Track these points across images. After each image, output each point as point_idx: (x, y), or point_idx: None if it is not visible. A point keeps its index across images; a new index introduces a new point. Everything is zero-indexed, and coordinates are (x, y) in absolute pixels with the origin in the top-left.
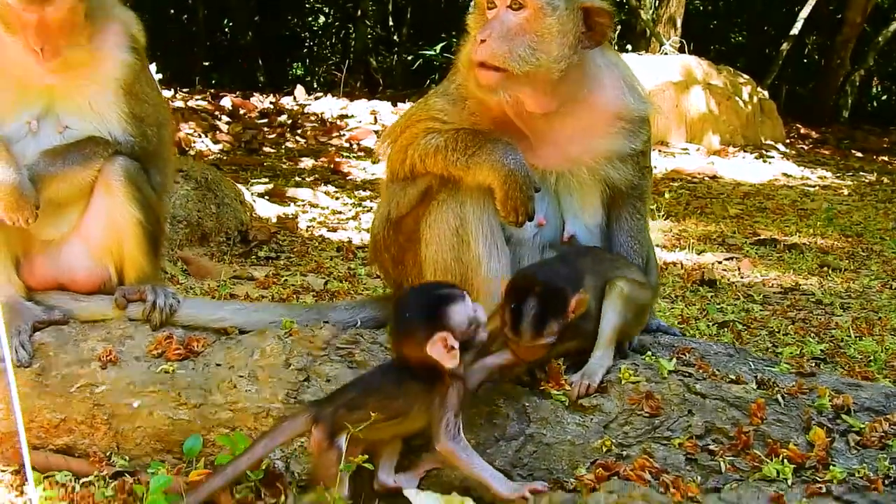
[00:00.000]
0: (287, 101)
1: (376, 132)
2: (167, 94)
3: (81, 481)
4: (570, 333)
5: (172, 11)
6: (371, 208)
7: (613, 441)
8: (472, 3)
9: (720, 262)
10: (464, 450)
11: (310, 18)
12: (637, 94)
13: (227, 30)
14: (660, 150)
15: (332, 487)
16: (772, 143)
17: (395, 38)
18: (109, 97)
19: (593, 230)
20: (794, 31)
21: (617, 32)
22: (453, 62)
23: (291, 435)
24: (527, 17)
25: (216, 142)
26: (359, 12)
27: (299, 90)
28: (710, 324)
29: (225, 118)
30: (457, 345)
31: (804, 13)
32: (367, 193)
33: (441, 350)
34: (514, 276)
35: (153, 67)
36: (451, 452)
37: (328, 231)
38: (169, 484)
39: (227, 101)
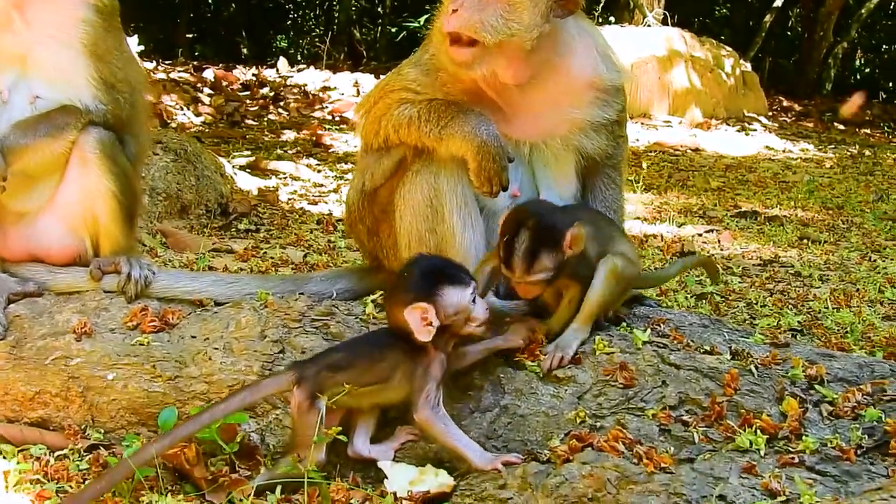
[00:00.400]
0: (270, 74)
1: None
2: (149, 65)
3: (56, 454)
4: (567, 275)
5: None
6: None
7: (587, 412)
8: None
9: (700, 235)
10: (441, 420)
11: None
12: (611, 63)
13: (210, 1)
14: (642, 123)
15: (307, 451)
16: (754, 115)
17: (378, 9)
18: (77, 61)
19: (568, 200)
20: (777, 3)
21: (601, 4)
22: (427, 33)
23: (272, 391)
24: None
25: (198, 114)
26: None
27: (282, 62)
28: (689, 296)
29: (207, 90)
30: (436, 322)
31: None
32: (349, 166)
33: (417, 320)
34: (511, 210)
35: (135, 39)
36: (429, 422)
37: (309, 204)
38: None
39: (209, 74)
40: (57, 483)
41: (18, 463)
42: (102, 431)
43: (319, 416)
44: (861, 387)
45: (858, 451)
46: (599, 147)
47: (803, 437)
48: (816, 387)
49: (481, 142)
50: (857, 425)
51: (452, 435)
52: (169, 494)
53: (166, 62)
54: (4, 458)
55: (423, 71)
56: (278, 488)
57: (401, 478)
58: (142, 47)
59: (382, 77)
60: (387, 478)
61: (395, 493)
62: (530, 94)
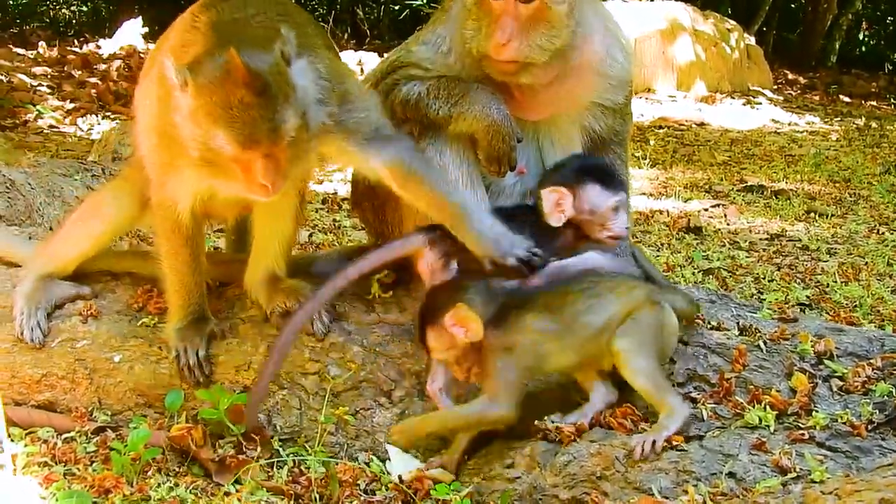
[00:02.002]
0: None
1: None
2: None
3: (63, 437)
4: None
5: None
6: None
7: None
8: None
9: (706, 210)
10: None
11: None
12: (621, 48)
13: None
14: (646, 98)
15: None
16: (759, 89)
17: None
18: None
19: None
20: None
21: None
22: (440, 5)
23: (405, 252)
24: (538, 7)
25: None
26: None
27: None
28: (696, 271)
29: None
30: (569, 211)
31: None
32: None
33: (552, 203)
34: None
35: (139, 21)
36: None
37: (313, 183)
38: (149, 437)
39: None
40: (65, 465)
41: (26, 445)
42: (109, 413)
43: (453, 275)
44: (871, 361)
45: (869, 427)
46: (607, 126)
47: (813, 413)
48: (826, 362)
49: (492, 121)
50: (868, 400)
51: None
52: (176, 476)
53: None
54: (12, 440)
55: (433, 49)
56: (285, 469)
57: (402, 464)
58: (146, 29)
59: (387, 55)
60: (389, 461)
61: (399, 476)
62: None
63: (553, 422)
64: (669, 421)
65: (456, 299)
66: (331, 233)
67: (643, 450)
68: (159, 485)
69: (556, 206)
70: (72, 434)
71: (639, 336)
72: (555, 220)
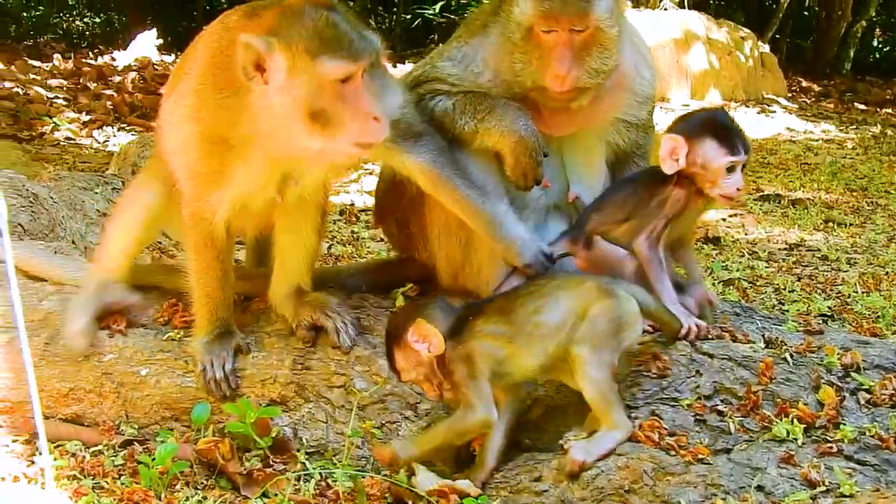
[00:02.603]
0: None
1: None
2: (168, 59)
3: (91, 450)
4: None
5: None
6: (373, 171)
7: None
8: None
9: (724, 219)
10: (654, 256)
11: None
12: (647, 66)
13: None
14: (661, 107)
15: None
16: (773, 97)
17: None
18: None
19: (597, 190)
20: None
21: None
22: (463, 23)
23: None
24: (591, 34)
25: None
26: None
27: None
28: (716, 281)
29: None
30: (682, 162)
31: None
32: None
33: (667, 149)
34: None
35: (154, 32)
36: (643, 252)
37: (330, 194)
38: (176, 451)
39: None
40: (93, 479)
41: (55, 459)
42: (136, 427)
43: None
44: None
45: None
46: (630, 141)
47: (841, 426)
48: (852, 374)
49: (519, 137)
50: None
51: (656, 273)
52: (204, 489)
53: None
54: (40, 454)
55: (461, 66)
56: (312, 482)
57: (429, 480)
58: (160, 41)
59: (403, 67)
60: (416, 475)
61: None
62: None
63: (568, 439)
64: (606, 438)
65: (415, 316)
66: (350, 244)
67: (573, 467)
68: (187, 498)
69: (671, 153)
70: (99, 447)
71: (595, 342)
72: (667, 166)
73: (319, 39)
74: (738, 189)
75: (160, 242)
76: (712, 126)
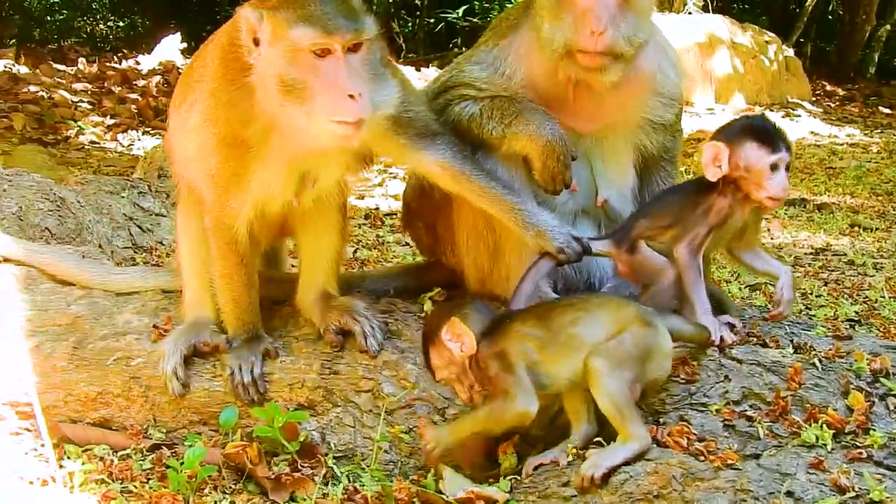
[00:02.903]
0: None
1: None
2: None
3: (119, 454)
4: None
5: None
6: (396, 175)
7: (650, 408)
8: None
9: None
10: (693, 265)
11: None
12: (673, 67)
13: None
14: (685, 111)
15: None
16: (798, 101)
17: (416, 2)
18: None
19: (625, 194)
20: None
21: None
22: (489, 26)
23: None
24: None
25: None
26: None
27: None
28: (742, 286)
29: None
30: (725, 167)
31: None
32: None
33: (709, 156)
34: None
35: (178, 37)
36: (682, 261)
37: (355, 199)
38: (204, 455)
39: None
40: (121, 483)
41: (83, 463)
42: (164, 431)
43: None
44: None
45: None
46: (658, 143)
47: (871, 432)
48: (882, 380)
49: (546, 141)
50: None
51: (692, 280)
52: (232, 493)
53: None
54: (69, 458)
55: (485, 68)
56: (340, 486)
57: (456, 485)
58: (184, 45)
59: (427, 71)
60: (443, 479)
61: (453, 497)
62: (598, 94)
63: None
64: (622, 449)
65: (449, 315)
66: (375, 248)
67: (583, 482)
68: (215, 502)
69: (713, 159)
70: (128, 451)
71: (617, 357)
72: (710, 173)
73: (300, 9)
74: (783, 189)
75: (161, 243)
76: (751, 128)
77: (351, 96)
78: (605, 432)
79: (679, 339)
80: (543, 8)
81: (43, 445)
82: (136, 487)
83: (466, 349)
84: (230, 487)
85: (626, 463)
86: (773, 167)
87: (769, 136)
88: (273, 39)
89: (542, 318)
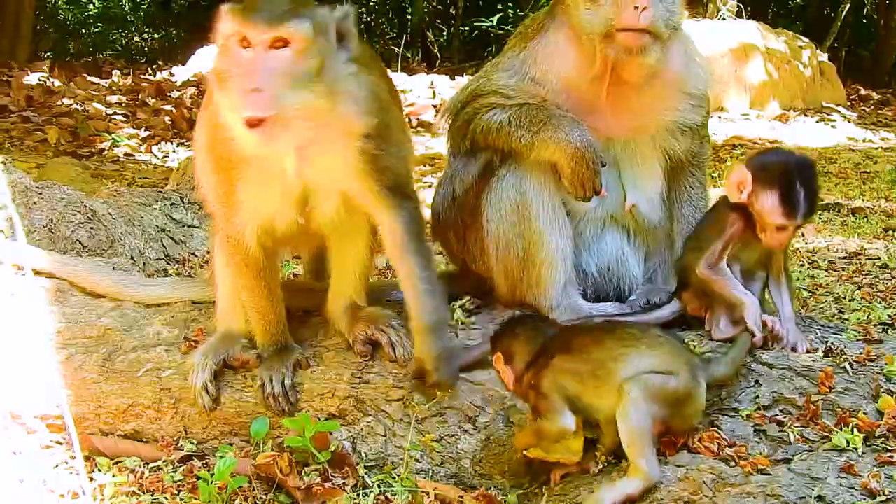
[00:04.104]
0: None
1: (435, 106)
2: None
3: (150, 466)
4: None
5: None
6: (431, 184)
7: None
8: None
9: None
10: (717, 273)
11: None
12: (699, 68)
13: None
14: (719, 117)
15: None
16: (833, 106)
17: (451, 11)
18: None
19: (654, 200)
20: None
21: None
22: (515, 33)
23: None
24: None
25: None
26: None
27: None
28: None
29: None
30: (744, 195)
31: None
32: (427, 168)
33: (734, 180)
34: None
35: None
36: (705, 277)
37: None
38: (235, 466)
39: None
40: (152, 495)
41: (114, 476)
42: (195, 442)
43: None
44: None
45: None
46: (686, 147)
47: None
48: None
49: (575, 148)
50: None
51: (722, 285)
52: None
53: None
54: (100, 470)
55: (513, 75)
56: (371, 496)
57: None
58: None
59: (461, 80)
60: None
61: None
62: (628, 93)
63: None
64: (627, 484)
65: (499, 347)
66: None
67: None
68: None
69: (737, 185)
70: (158, 463)
71: (652, 391)
72: (731, 194)
73: (240, 3)
74: (780, 244)
75: (194, 255)
76: (783, 180)
77: (256, 90)
78: None
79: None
80: None
81: (74, 458)
82: (167, 499)
83: (507, 382)
84: (261, 498)
85: (630, 500)
86: (781, 228)
87: (792, 199)
88: (217, 34)
89: (585, 351)
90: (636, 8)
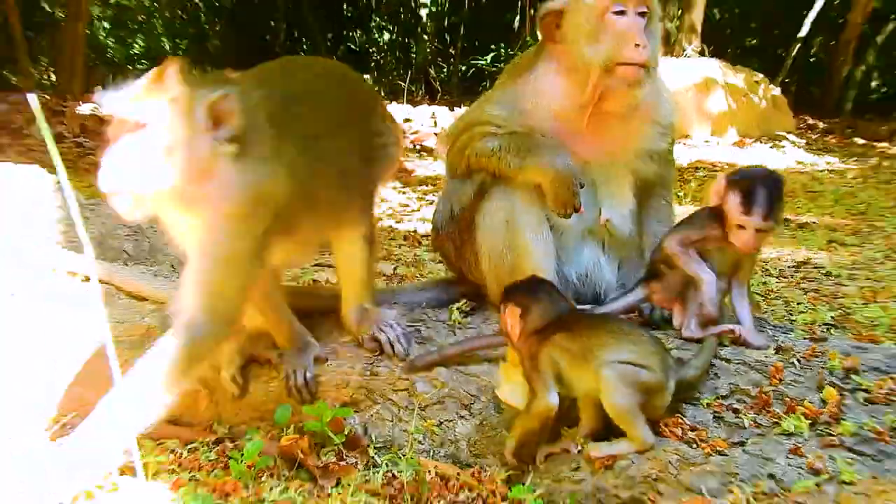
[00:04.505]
0: None
1: (436, 134)
2: None
3: (188, 447)
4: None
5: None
6: (432, 202)
7: None
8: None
9: None
10: (680, 253)
11: (376, 35)
12: (667, 100)
13: (304, 48)
14: (684, 143)
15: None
16: (784, 134)
17: (451, 50)
18: None
19: (626, 215)
20: (802, 33)
21: None
22: (505, 70)
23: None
24: (649, 18)
25: None
26: (419, 29)
27: None
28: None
29: None
30: (720, 194)
31: (811, 17)
32: (429, 188)
33: (716, 187)
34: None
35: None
36: (670, 250)
37: (396, 222)
38: (262, 447)
39: None
40: (190, 472)
41: (156, 455)
42: (227, 426)
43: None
44: (893, 376)
45: (892, 433)
46: (654, 170)
47: (842, 422)
48: (852, 376)
49: (556, 172)
50: (891, 410)
51: (686, 261)
52: (286, 480)
53: None
54: (144, 451)
55: (504, 107)
56: (380, 473)
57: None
58: None
59: (459, 111)
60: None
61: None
62: (608, 121)
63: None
64: (624, 444)
65: (516, 300)
66: (413, 266)
67: (587, 458)
68: (272, 488)
69: (716, 192)
70: (195, 444)
71: (627, 378)
72: (712, 199)
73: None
74: (746, 245)
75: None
76: (748, 185)
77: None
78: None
79: (690, 383)
80: (580, 33)
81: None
82: (202, 476)
83: (511, 334)
84: (284, 475)
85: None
86: (740, 226)
87: (753, 200)
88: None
89: (582, 335)
90: (637, 45)
